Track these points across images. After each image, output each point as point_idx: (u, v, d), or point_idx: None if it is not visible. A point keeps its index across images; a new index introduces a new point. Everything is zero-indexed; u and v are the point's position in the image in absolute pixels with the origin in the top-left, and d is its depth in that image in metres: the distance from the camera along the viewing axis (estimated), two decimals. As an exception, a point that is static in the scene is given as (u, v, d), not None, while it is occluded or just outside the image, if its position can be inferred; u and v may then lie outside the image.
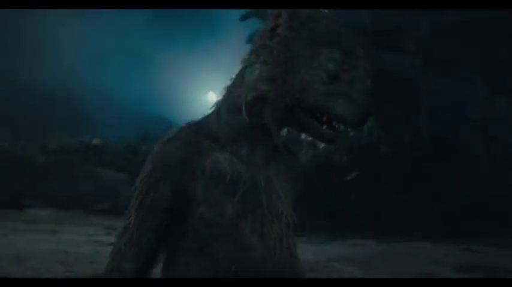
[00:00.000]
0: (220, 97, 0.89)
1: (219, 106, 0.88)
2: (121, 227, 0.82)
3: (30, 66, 11.27)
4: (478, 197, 6.80)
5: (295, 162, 0.93)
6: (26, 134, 9.97)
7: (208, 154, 0.79)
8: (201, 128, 0.85)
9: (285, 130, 0.96)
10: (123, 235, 0.80)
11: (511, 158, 7.82)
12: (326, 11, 0.96)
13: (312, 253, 4.78)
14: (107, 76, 14.18)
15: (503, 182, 7.09)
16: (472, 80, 8.86)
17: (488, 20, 7.34)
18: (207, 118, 0.88)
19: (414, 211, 7.05)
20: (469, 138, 8.35)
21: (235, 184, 0.77)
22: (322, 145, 9.70)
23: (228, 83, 0.90)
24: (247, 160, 0.81)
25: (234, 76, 0.88)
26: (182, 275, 0.78)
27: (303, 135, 10.99)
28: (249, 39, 14.59)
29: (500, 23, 7.51)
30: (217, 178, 0.77)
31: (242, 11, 9.85)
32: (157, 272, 0.86)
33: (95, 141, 12.50)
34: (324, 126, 0.81)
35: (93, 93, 12.92)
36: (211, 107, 0.89)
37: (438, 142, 8.22)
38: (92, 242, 3.95)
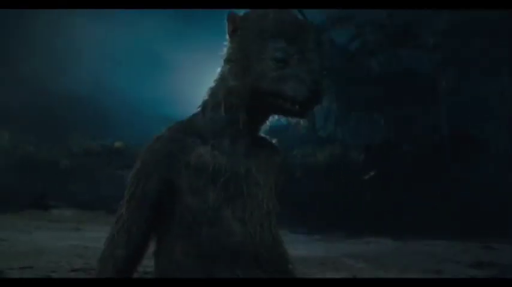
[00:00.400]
0: (206, 96, 0.98)
1: (205, 104, 0.97)
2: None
3: (49, 69, 11.73)
4: (498, 196, 6.67)
5: (277, 156, 0.98)
6: (50, 138, 10.42)
7: (192, 150, 0.87)
8: (186, 126, 0.94)
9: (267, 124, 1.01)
10: (116, 223, 0.90)
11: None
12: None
13: (323, 250, 4.86)
14: (126, 78, 14.57)
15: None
16: (495, 76, 8.67)
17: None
18: (194, 116, 0.97)
19: (432, 209, 6.98)
20: (490, 135, 8.18)
21: (217, 174, 0.85)
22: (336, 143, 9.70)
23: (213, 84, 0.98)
24: (229, 152, 0.89)
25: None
26: (168, 259, 0.87)
27: (319, 132, 10.94)
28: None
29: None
30: (200, 170, 0.85)
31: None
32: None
33: (117, 144, 12.95)
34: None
35: (112, 96, 13.29)
36: (198, 107, 0.98)
37: (458, 140, 8.09)
38: (110, 238, 4.17)
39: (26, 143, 10.43)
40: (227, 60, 0.92)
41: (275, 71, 0.84)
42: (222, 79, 0.93)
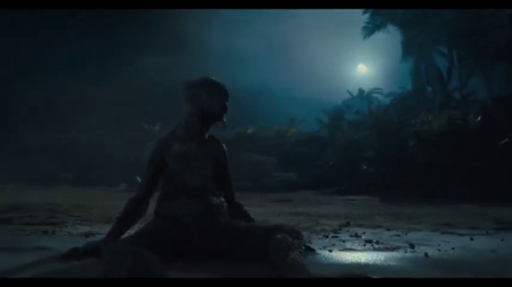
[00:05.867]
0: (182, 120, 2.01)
1: (181, 123, 2.01)
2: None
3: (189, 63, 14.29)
4: None
5: (216, 148, 2.08)
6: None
7: (172, 145, 2.06)
8: (173, 132, 2.10)
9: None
10: (143, 176, 2.12)
11: None
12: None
13: (365, 210, 5.34)
14: (257, 72, 16.50)
15: None
16: None
17: None
18: (177, 127, 2.09)
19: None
20: None
21: (180, 156, 2.02)
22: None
23: None
24: (188, 146, 2.03)
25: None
26: (164, 191, 1.99)
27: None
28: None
29: None
30: (174, 154, 2.03)
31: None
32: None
33: (249, 131, 14.97)
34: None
35: (247, 89, 15.46)
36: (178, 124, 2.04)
37: None
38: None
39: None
40: (186, 102, 1.96)
41: (207, 102, 1.97)
42: (186, 112, 1.96)
